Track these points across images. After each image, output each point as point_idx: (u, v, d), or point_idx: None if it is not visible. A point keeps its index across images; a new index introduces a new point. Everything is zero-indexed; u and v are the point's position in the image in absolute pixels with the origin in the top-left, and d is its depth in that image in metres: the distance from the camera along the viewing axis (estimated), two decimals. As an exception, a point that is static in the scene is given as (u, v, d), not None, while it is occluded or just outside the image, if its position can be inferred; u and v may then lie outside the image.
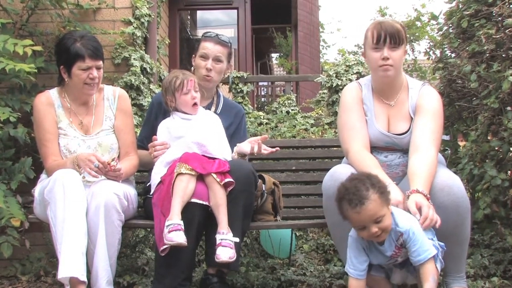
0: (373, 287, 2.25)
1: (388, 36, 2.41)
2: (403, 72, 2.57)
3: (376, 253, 2.14)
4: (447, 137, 3.76)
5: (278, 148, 2.73)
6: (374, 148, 2.53)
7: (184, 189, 2.40)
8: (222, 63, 2.87)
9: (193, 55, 2.94)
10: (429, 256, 1.99)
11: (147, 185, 2.76)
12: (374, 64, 2.48)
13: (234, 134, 2.88)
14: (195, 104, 2.66)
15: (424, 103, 2.49)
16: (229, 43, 2.91)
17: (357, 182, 2.00)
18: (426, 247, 2.00)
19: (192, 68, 2.94)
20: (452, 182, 2.27)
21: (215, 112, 2.90)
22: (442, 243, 2.15)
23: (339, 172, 2.37)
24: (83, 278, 2.31)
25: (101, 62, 2.68)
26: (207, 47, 2.85)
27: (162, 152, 2.62)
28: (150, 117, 2.93)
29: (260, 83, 11.04)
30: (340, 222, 2.15)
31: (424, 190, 2.18)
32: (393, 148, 2.52)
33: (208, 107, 2.90)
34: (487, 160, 2.91)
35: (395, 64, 2.44)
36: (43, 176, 2.74)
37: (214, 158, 2.54)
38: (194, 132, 2.61)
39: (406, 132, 2.50)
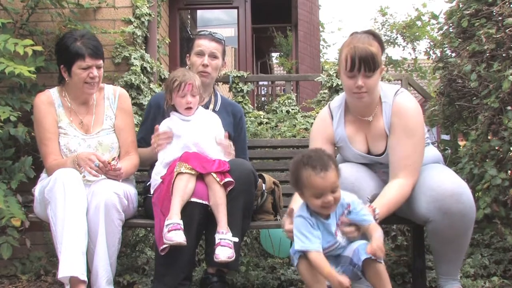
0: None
1: (362, 64, 2.25)
2: (378, 86, 2.42)
3: (323, 232, 2.09)
4: (447, 137, 3.77)
5: None
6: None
7: (183, 188, 2.40)
8: (218, 59, 2.90)
9: (187, 54, 2.96)
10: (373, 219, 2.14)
11: (147, 184, 2.77)
12: (348, 90, 2.38)
13: (234, 136, 2.88)
14: (189, 108, 2.65)
15: (397, 121, 2.36)
16: (223, 40, 2.94)
17: (320, 152, 2.07)
18: (368, 212, 2.13)
19: (187, 67, 2.94)
20: (462, 190, 2.25)
21: (213, 110, 2.90)
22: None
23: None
24: (83, 277, 2.31)
25: (101, 61, 2.68)
26: (203, 44, 2.87)
27: (165, 143, 2.61)
28: (147, 118, 2.93)
29: (260, 83, 11.03)
30: None
31: (378, 214, 2.18)
32: (379, 162, 2.48)
33: (206, 106, 2.90)
34: (487, 160, 2.91)
35: (369, 90, 2.32)
36: (43, 175, 2.74)
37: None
38: (192, 133, 2.60)
39: (385, 151, 2.43)
